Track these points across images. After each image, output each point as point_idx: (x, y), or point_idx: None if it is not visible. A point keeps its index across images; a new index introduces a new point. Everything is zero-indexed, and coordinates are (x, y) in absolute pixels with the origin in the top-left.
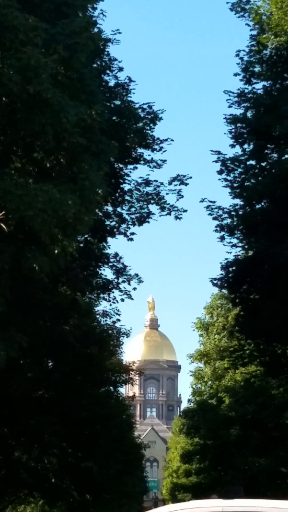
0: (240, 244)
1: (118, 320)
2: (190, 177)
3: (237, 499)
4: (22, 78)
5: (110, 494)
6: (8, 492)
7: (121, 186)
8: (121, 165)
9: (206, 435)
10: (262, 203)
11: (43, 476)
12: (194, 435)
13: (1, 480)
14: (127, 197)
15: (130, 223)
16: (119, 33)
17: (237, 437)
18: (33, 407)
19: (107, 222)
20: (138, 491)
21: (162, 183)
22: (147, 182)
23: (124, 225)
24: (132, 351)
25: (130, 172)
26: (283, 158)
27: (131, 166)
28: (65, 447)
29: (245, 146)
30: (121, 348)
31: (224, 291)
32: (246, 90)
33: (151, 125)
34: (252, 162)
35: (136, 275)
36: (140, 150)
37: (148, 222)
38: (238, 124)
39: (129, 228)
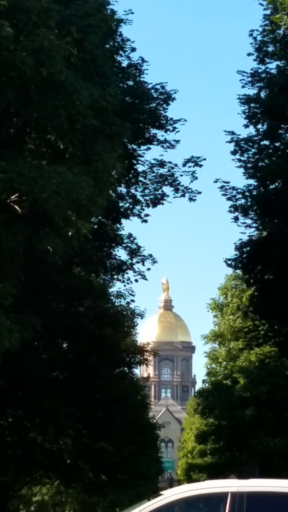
0: (254, 225)
1: (132, 301)
2: (204, 159)
3: (252, 479)
4: (35, 61)
5: (125, 475)
6: (24, 473)
7: (135, 167)
8: (134, 146)
9: (220, 416)
10: (276, 183)
11: (58, 457)
12: (209, 416)
13: (16, 461)
14: (141, 179)
15: (144, 204)
16: (132, 13)
17: (252, 417)
18: (48, 389)
19: (121, 204)
20: (153, 471)
21: (176, 165)
22: (161, 164)
23: (138, 207)
24: (147, 332)
25: (144, 153)
26: None
27: (145, 147)
28: (80, 428)
29: (259, 126)
30: (136, 329)
31: (238, 271)
32: (260, 70)
33: (164, 105)
34: (266, 142)
35: (150, 255)
36: (153, 131)
37: (162, 203)
38: (252, 104)
39: (143, 209)
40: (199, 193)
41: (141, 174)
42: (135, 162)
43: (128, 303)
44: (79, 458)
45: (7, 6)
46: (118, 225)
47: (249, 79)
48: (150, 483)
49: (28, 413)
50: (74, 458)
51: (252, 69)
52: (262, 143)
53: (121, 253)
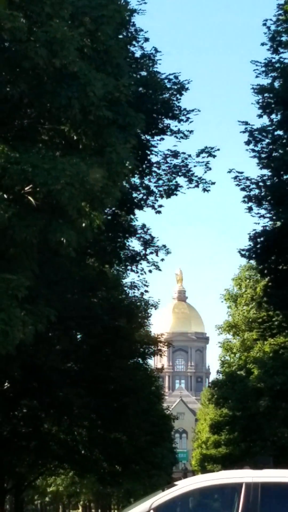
0: (268, 215)
1: (146, 291)
2: (218, 149)
3: (266, 469)
4: (49, 52)
5: (140, 465)
6: (38, 464)
7: (148, 157)
8: (148, 137)
9: (235, 406)
10: None
11: (72, 448)
12: (223, 406)
13: (31, 452)
14: (155, 169)
15: (157, 195)
16: (145, 3)
17: (266, 408)
18: (62, 380)
19: (135, 195)
20: (168, 462)
21: (189, 155)
22: (175, 154)
23: (151, 198)
24: (161, 323)
25: (157, 143)
26: None
27: (158, 137)
28: (94, 418)
29: (273, 116)
30: (149, 320)
31: (252, 262)
32: (274, 60)
33: (178, 95)
34: (280, 132)
35: (164, 246)
36: (167, 121)
37: (176, 194)
38: (266, 94)
39: (157, 200)
40: (213, 183)
41: (154, 165)
42: (148, 152)
43: (142, 294)
44: (94, 449)
45: None
46: (132, 216)
47: (263, 69)
48: (164, 474)
49: (43, 404)
50: (88, 449)
51: (266, 58)
52: (276, 133)
53: (134, 244)
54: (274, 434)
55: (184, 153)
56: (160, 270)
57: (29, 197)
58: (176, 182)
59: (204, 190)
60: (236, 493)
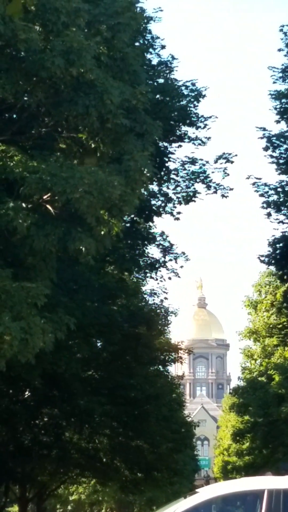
0: (287, 221)
1: (166, 299)
2: (236, 155)
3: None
4: (65, 61)
5: (161, 473)
6: (60, 472)
7: (166, 165)
8: (165, 144)
9: (256, 413)
10: None
11: (94, 456)
12: (244, 413)
13: (52, 461)
14: (173, 176)
15: (176, 202)
16: (161, 10)
17: None
18: (83, 388)
19: (153, 202)
20: (190, 469)
21: (207, 162)
22: (193, 161)
23: (170, 205)
24: (181, 330)
25: (175, 150)
26: None
27: (176, 144)
28: (116, 426)
29: None
30: (169, 327)
31: (272, 268)
32: None
33: (195, 102)
34: None
35: (183, 253)
36: (184, 128)
37: (194, 201)
38: (283, 100)
39: (175, 207)
40: (231, 189)
41: (172, 172)
42: (166, 159)
43: (161, 301)
44: (115, 457)
45: (37, 7)
46: (151, 223)
47: (280, 74)
48: (186, 481)
49: (64, 412)
50: (110, 457)
51: (283, 64)
52: None
53: (154, 251)
54: None
55: (201, 159)
56: (179, 277)
57: (48, 206)
58: (194, 188)
59: (223, 196)
60: (258, 500)
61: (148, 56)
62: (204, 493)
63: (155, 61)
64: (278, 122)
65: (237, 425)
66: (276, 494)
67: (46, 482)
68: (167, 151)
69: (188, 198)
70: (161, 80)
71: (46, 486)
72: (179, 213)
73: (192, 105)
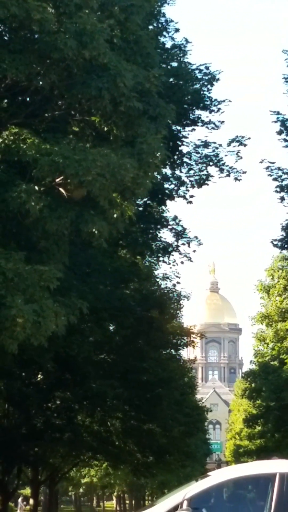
0: None
1: (178, 283)
2: (249, 138)
3: None
4: (78, 43)
5: (173, 456)
6: (72, 455)
7: (180, 148)
8: (179, 127)
9: (268, 397)
10: None
11: (106, 439)
12: (256, 398)
13: (65, 444)
14: (186, 160)
15: (189, 185)
16: None
17: None
18: (95, 371)
19: (166, 185)
20: (201, 453)
21: (220, 145)
22: (206, 144)
23: (183, 188)
24: (194, 315)
25: (188, 134)
26: None
27: (189, 128)
28: (128, 410)
29: None
30: (182, 311)
31: (285, 252)
32: None
33: (208, 86)
34: None
35: (196, 237)
36: (197, 112)
37: (207, 184)
38: None
39: (188, 190)
40: (244, 172)
41: (185, 155)
42: (179, 143)
43: (174, 285)
44: (127, 440)
45: None
46: (163, 207)
47: None
48: (198, 465)
49: (76, 395)
50: (122, 440)
51: None
52: None
53: (166, 235)
54: None
55: (215, 142)
56: (192, 261)
57: (60, 189)
58: (207, 172)
59: (236, 179)
60: (270, 484)
61: (162, 39)
62: (216, 477)
63: (168, 44)
64: None
65: (249, 409)
66: None
67: (58, 465)
68: (180, 135)
69: (201, 182)
70: (174, 64)
71: (58, 469)
72: (192, 196)
73: (205, 89)
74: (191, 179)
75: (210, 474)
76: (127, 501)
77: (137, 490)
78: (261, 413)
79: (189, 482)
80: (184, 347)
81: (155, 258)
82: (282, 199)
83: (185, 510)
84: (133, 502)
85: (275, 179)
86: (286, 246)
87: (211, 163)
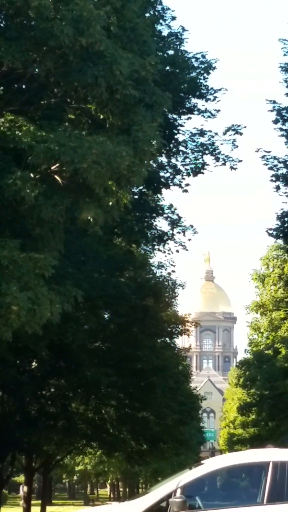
0: None
1: (173, 271)
2: (245, 127)
3: None
4: (75, 30)
5: (167, 444)
6: (66, 443)
7: (175, 137)
8: (175, 116)
9: (262, 386)
10: None
11: (100, 427)
12: (251, 387)
13: (59, 431)
14: (182, 148)
15: (184, 174)
16: None
17: None
18: (90, 359)
19: (162, 174)
20: (195, 441)
21: (216, 133)
22: (202, 133)
23: (178, 176)
24: (189, 303)
25: (184, 122)
26: None
27: (185, 117)
28: (122, 398)
29: None
30: (177, 299)
31: (280, 241)
32: None
33: (205, 74)
34: None
35: (191, 226)
36: (193, 100)
37: (203, 173)
38: None
39: (184, 179)
40: (240, 161)
41: (181, 144)
42: (175, 132)
43: (169, 273)
44: (121, 428)
45: None
46: (159, 196)
47: None
48: (192, 453)
49: (70, 383)
50: (116, 428)
51: None
52: None
53: (162, 224)
54: None
55: (210, 131)
56: (187, 250)
57: (56, 176)
58: (203, 160)
59: (231, 168)
60: (264, 472)
61: (158, 27)
62: (210, 465)
63: (165, 33)
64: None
65: (244, 398)
66: (281, 466)
67: (52, 452)
68: (176, 123)
69: (197, 170)
70: (171, 52)
71: (52, 456)
72: (187, 185)
73: (202, 77)
74: (187, 167)
75: (203, 462)
76: (121, 489)
77: (131, 478)
78: (255, 401)
79: (183, 470)
80: (179, 336)
81: (150, 247)
82: (278, 188)
83: (179, 498)
84: (127, 489)
85: (270, 168)
86: (281, 235)
87: (206, 152)
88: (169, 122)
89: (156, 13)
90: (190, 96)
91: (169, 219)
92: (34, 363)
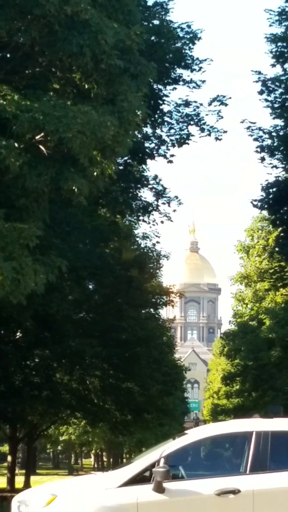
0: (280, 165)
1: (158, 242)
2: (230, 98)
3: (276, 419)
4: None
5: (151, 414)
6: (51, 413)
7: (161, 107)
8: (160, 86)
9: (246, 357)
10: None
11: (84, 397)
12: (235, 357)
13: (43, 402)
14: (167, 119)
15: (169, 144)
16: None
17: (278, 358)
18: (74, 330)
19: (147, 144)
20: (179, 411)
21: (201, 104)
22: (187, 103)
23: (163, 147)
24: (173, 274)
25: (169, 93)
26: None
27: (170, 87)
28: (106, 368)
29: (286, 65)
30: (161, 270)
31: (265, 212)
32: (287, 9)
33: (190, 45)
34: None
35: (176, 197)
36: (179, 71)
37: (188, 143)
38: (279, 43)
39: (169, 150)
40: (225, 132)
41: (166, 114)
42: (160, 102)
43: (153, 244)
44: (106, 398)
45: None
46: (144, 166)
47: (277, 17)
48: (176, 423)
49: (55, 353)
50: (100, 398)
51: (279, 7)
52: None
53: (146, 195)
54: (285, 384)
55: (196, 101)
56: (172, 221)
57: (40, 146)
58: (188, 131)
59: (216, 138)
60: (247, 442)
61: None
62: (193, 435)
63: (150, 2)
64: (273, 65)
65: (228, 369)
66: (264, 436)
67: (37, 423)
68: (162, 94)
69: (182, 141)
70: (156, 22)
71: (37, 426)
72: (172, 156)
73: (187, 48)
74: (172, 138)
75: (187, 432)
76: (105, 459)
77: (115, 448)
78: (239, 372)
79: (167, 440)
80: (163, 307)
81: (135, 217)
82: (263, 159)
83: (162, 468)
84: (111, 459)
85: (255, 139)
86: (266, 206)
87: (192, 122)
88: (154, 92)
89: None
90: (175, 67)
91: (154, 190)
92: (18, 333)
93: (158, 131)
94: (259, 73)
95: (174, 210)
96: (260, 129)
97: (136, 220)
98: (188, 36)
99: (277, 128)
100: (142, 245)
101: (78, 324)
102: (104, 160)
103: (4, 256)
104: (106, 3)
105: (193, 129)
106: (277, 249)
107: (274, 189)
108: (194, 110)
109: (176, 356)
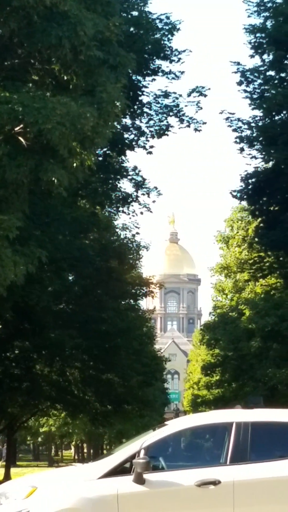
0: (259, 156)
1: (138, 233)
2: (209, 88)
3: (256, 409)
4: None
5: (131, 405)
6: (31, 404)
7: (140, 98)
8: (139, 77)
9: (226, 347)
10: (282, 114)
11: (65, 389)
12: (215, 347)
13: (23, 393)
14: (146, 110)
15: (149, 136)
16: None
17: (257, 349)
18: (54, 321)
19: (126, 135)
20: (160, 402)
21: (180, 95)
22: (166, 94)
23: (143, 138)
24: (153, 265)
25: (149, 84)
26: None
27: (150, 78)
28: (86, 359)
29: (265, 56)
30: (141, 261)
31: (244, 203)
32: (266, 0)
33: (169, 36)
34: (272, 73)
35: (155, 188)
36: (158, 62)
37: (167, 135)
38: (258, 34)
39: (148, 141)
40: (204, 123)
41: (146, 105)
42: (140, 93)
43: (133, 235)
44: (86, 389)
45: None
46: (123, 157)
47: (255, 8)
48: (156, 414)
49: (35, 345)
50: (80, 389)
51: None
52: (267, 73)
53: (126, 186)
54: (265, 375)
55: (175, 92)
56: (151, 212)
57: (20, 137)
58: (167, 122)
59: (196, 130)
60: (227, 433)
61: None
62: (173, 426)
63: None
64: (252, 56)
65: (208, 359)
66: (244, 426)
67: (17, 414)
68: (141, 85)
69: (161, 132)
70: (135, 13)
71: (17, 418)
72: (151, 147)
73: (166, 39)
74: (151, 129)
75: (167, 423)
76: (85, 450)
77: (95, 439)
78: (219, 362)
79: (147, 431)
80: (143, 298)
81: (114, 209)
82: (242, 150)
83: (142, 459)
84: (91, 451)
85: (234, 130)
86: (245, 197)
87: (171, 114)
88: (133, 83)
89: None
90: (154, 58)
91: (133, 181)
92: None
93: (137, 122)
94: (238, 64)
95: (154, 201)
96: (239, 119)
97: (115, 211)
98: (167, 27)
99: (256, 118)
100: (122, 236)
101: (58, 315)
102: (83, 151)
103: None
104: None
105: (172, 120)
106: (256, 239)
107: (253, 180)
108: (174, 101)
109: (156, 347)
